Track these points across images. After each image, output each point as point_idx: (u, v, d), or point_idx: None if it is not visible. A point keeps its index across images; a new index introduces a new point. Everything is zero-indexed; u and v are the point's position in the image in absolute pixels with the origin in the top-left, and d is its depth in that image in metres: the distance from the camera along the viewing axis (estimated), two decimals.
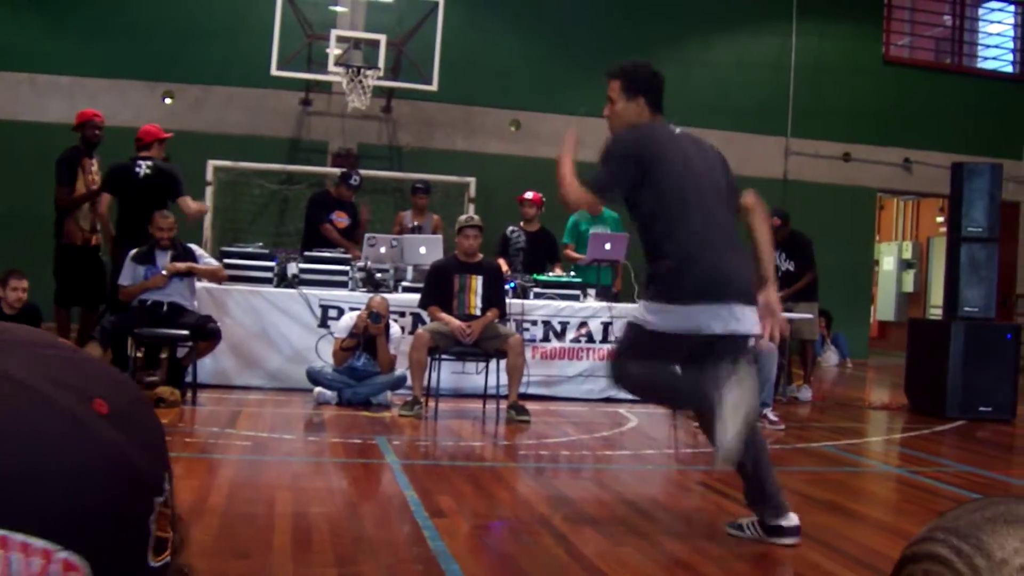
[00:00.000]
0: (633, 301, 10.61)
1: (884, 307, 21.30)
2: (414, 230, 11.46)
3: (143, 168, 9.41)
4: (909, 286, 21.14)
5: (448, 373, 9.38)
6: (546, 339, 9.92)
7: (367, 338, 8.87)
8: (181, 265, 8.73)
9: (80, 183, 9.60)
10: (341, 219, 11.04)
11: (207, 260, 9.11)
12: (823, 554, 4.79)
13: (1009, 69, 18.23)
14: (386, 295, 9.42)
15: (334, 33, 13.28)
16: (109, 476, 0.64)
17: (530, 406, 8.74)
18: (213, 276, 9.10)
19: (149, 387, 8.56)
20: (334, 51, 13.23)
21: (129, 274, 8.75)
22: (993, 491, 6.02)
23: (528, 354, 9.16)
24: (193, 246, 9.08)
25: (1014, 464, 8.26)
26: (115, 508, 0.64)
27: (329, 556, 4.41)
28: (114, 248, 9.41)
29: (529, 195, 11.39)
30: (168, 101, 14.16)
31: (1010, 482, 7.06)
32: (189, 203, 9.55)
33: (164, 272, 8.64)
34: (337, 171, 12.01)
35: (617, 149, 5.12)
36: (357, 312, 9.03)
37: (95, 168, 9.72)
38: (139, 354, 8.80)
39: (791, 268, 11.09)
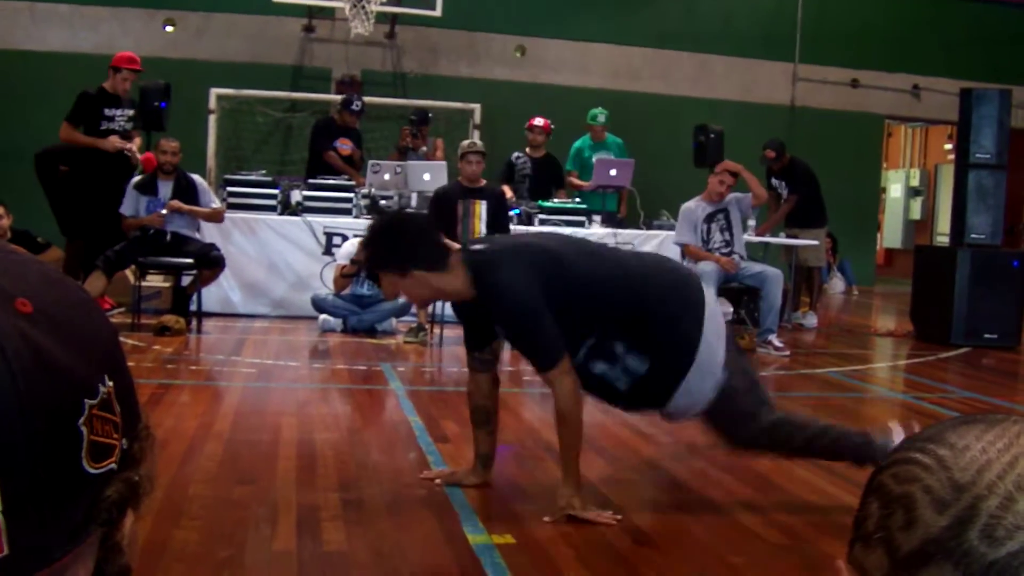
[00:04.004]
0: (638, 227, 10.60)
1: (891, 234, 21.22)
2: (408, 151, 11.38)
3: None
4: (916, 213, 21.03)
5: None
6: None
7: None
8: (184, 206, 8.68)
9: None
10: (345, 146, 10.97)
11: (209, 197, 9.02)
12: (825, 478, 4.80)
13: None
14: None
15: None
16: (18, 374, 0.63)
17: None
18: (211, 218, 9.02)
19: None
20: None
21: (131, 203, 8.72)
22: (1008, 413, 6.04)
23: None
24: (197, 178, 9.01)
25: (1018, 390, 8.27)
26: (23, 406, 0.62)
27: (333, 481, 4.43)
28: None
29: (539, 122, 11.28)
30: (169, 29, 14.00)
31: (1014, 408, 7.06)
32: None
33: (163, 212, 8.60)
34: (341, 98, 11.92)
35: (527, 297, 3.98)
36: (360, 239, 9.00)
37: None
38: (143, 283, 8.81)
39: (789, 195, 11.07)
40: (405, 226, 4.15)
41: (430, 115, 12.05)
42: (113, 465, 0.69)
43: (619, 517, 4.03)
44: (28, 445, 0.63)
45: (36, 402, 0.63)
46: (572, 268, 4.05)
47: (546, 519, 3.99)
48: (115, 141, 9.16)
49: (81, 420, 0.66)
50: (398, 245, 4.05)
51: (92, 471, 0.67)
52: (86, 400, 0.67)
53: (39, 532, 0.64)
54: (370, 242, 4.14)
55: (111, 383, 0.69)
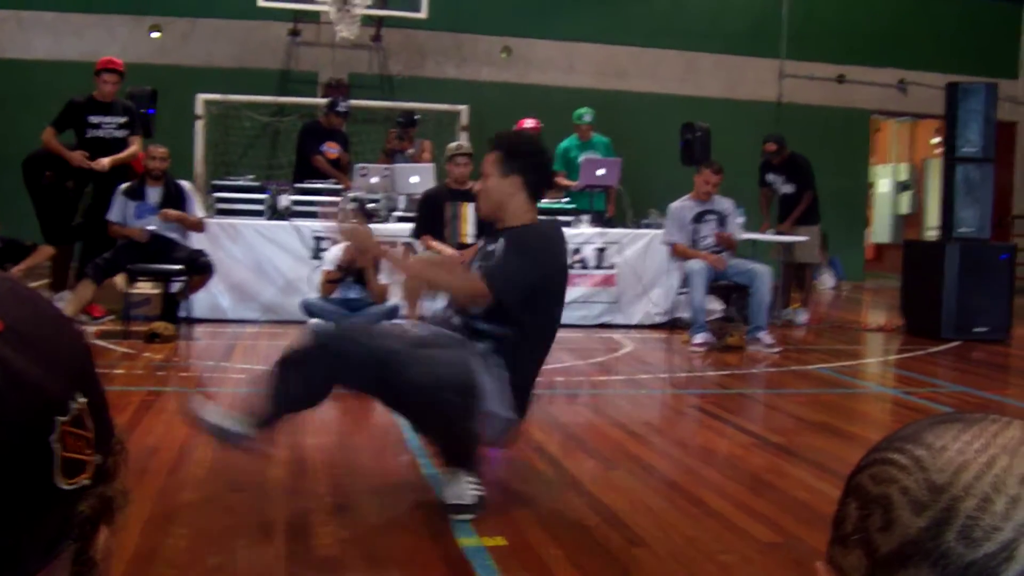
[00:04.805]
0: (626, 226, 10.60)
1: (880, 229, 21.26)
2: (395, 154, 11.36)
3: None
4: (905, 208, 21.08)
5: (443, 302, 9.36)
6: None
7: (357, 270, 8.84)
8: (173, 213, 8.68)
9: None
10: (332, 149, 10.96)
11: (195, 206, 8.99)
12: (816, 475, 4.81)
13: None
14: (378, 225, 9.37)
15: None
16: None
17: None
18: (196, 228, 9.00)
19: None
20: None
21: (119, 209, 8.70)
22: (986, 411, 6.05)
23: None
24: (184, 184, 9.00)
25: (1009, 384, 8.28)
26: None
27: (323, 486, 4.42)
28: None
29: (530, 123, 11.27)
30: (155, 35, 13.99)
31: (1004, 402, 7.08)
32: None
33: (150, 228, 8.58)
34: (326, 101, 11.91)
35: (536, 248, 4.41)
36: (345, 244, 8.99)
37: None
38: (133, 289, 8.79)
39: (790, 191, 11.05)
40: (545, 153, 4.77)
41: (417, 117, 12.03)
42: (86, 480, 0.69)
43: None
44: None
45: (6, 419, 0.63)
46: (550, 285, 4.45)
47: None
48: (79, 158, 9.14)
49: (53, 437, 0.66)
50: (529, 154, 4.53)
51: (65, 487, 0.67)
52: (57, 417, 0.66)
53: (12, 548, 0.64)
54: (516, 136, 4.75)
55: (83, 399, 0.69)
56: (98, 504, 0.71)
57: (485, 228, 8.69)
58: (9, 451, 0.63)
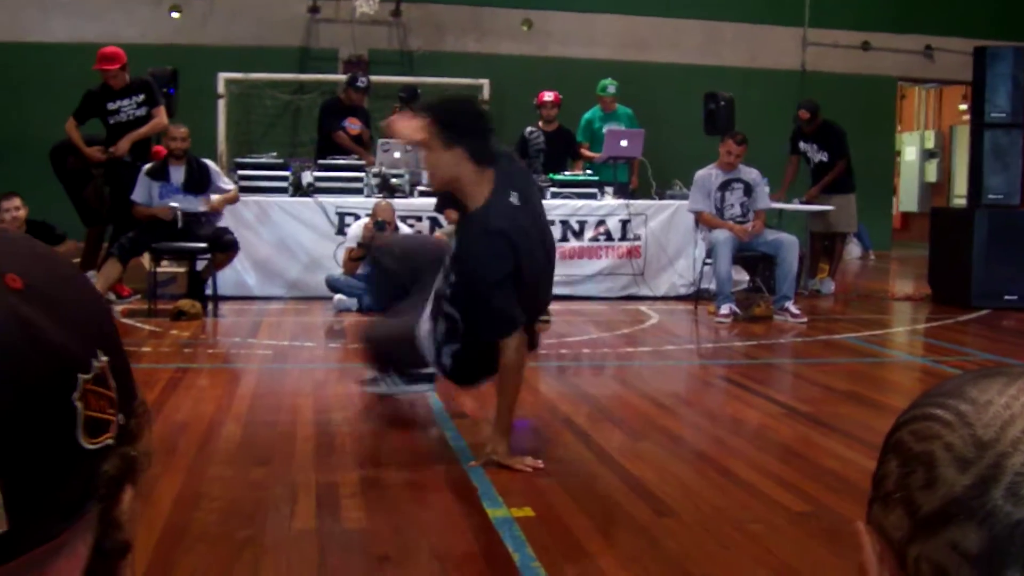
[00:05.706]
0: (651, 197, 10.55)
1: (907, 198, 21.09)
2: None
3: None
4: (932, 176, 20.89)
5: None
6: (564, 238, 9.81)
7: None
8: (217, 200, 8.71)
9: None
10: (353, 125, 10.93)
11: (222, 180, 9.01)
12: (845, 444, 4.79)
13: None
14: (401, 200, 9.36)
15: None
16: (10, 349, 0.62)
17: (550, 306, 8.72)
18: (231, 201, 9.03)
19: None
20: None
21: (143, 190, 8.71)
22: None
23: None
24: (209, 163, 9.00)
25: None
26: (15, 382, 0.62)
27: (350, 460, 4.43)
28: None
29: (549, 96, 11.19)
30: (175, 16, 13.98)
31: None
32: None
33: (173, 205, 8.58)
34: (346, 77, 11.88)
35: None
36: (365, 221, 8.99)
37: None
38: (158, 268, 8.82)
39: (824, 159, 10.95)
40: (480, 112, 4.61)
41: (419, 91, 11.97)
42: (110, 440, 0.68)
43: (540, 464, 4.25)
44: (22, 420, 0.62)
45: (28, 377, 0.63)
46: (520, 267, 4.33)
47: (471, 464, 4.26)
48: (95, 154, 9.23)
49: (75, 395, 0.65)
50: (467, 122, 4.41)
51: (88, 446, 0.66)
52: (79, 375, 0.66)
53: (38, 508, 0.64)
54: (447, 103, 4.53)
55: (105, 358, 0.69)
56: (122, 464, 0.70)
57: (446, 199, 8.66)
58: (32, 410, 0.63)
